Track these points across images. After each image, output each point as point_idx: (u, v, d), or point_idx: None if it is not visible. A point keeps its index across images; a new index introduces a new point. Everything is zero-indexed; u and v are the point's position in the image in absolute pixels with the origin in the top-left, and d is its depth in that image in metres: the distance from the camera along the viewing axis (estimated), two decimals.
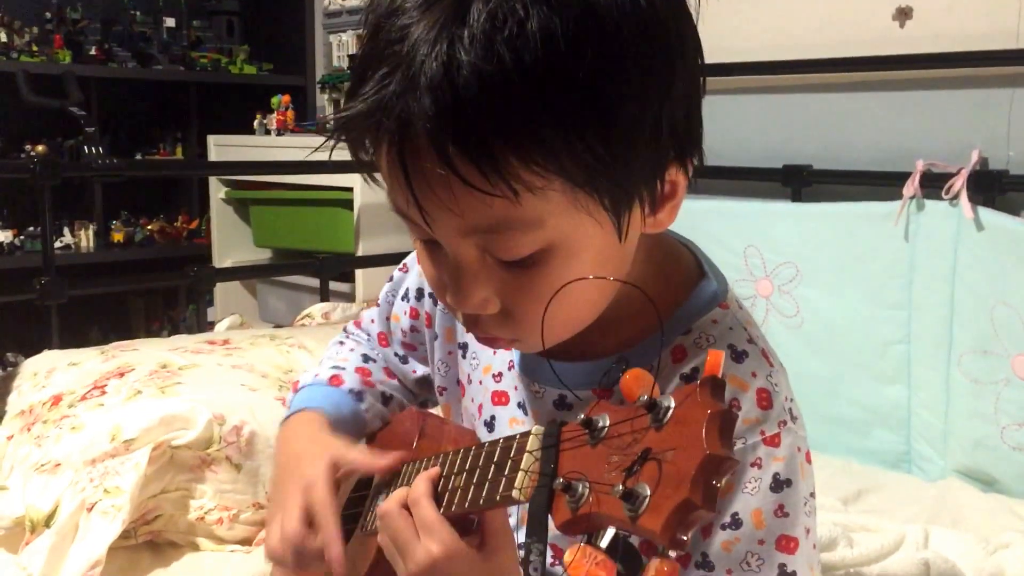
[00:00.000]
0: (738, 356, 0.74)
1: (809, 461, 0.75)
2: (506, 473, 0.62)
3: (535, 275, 0.67)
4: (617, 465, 0.51)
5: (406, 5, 0.63)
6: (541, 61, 0.59)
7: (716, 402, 0.49)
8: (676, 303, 0.77)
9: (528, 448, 0.61)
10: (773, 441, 0.71)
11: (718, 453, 0.47)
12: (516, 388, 0.85)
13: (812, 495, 0.75)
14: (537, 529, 0.55)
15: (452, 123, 0.60)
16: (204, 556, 1.35)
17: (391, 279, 1.02)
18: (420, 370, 1.02)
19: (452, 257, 0.68)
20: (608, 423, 0.54)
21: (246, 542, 1.37)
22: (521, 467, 0.61)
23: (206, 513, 1.36)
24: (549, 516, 0.56)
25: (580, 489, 0.53)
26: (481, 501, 0.65)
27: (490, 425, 0.86)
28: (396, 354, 1.03)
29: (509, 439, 0.64)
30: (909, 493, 1.58)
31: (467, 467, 0.68)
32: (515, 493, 0.60)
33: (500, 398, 0.86)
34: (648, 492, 0.48)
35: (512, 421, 0.85)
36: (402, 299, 0.99)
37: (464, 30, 0.60)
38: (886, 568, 1.23)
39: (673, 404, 0.50)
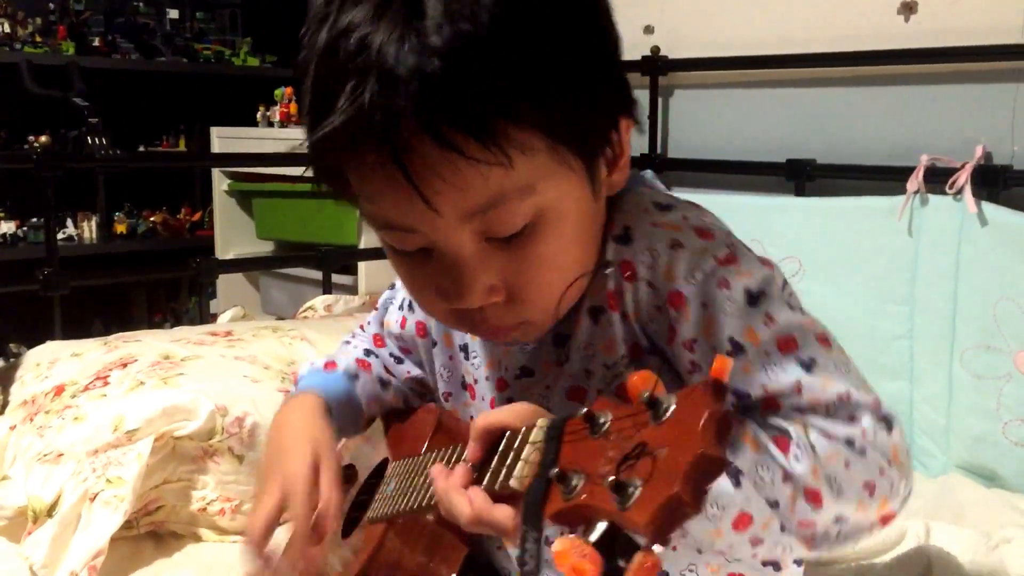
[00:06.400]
0: (664, 208, 0.77)
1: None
2: (507, 463, 0.65)
3: (531, 247, 0.70)
4: (612, 458, 0.52)
5: (355, 22, 0.65)
6: (504, 25, 0.63)
7: (717, 404, 0.49)
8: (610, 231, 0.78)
9: (531, 440, 0.63)
10: (729, 260, 0.74)
11: (712, 453, 0.47)
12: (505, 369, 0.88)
13: (785, 283, 0.78)
14: (532, 517, 0.56)
15: (440, 105, 0.62)
16: (206, 547, 1.35)
17: (392, 286, 1.03)
18: (415, 372, 1.04)
19: (451, 254, 0.70)
20: (610, 419, 0.54)
21: None
22: (522, 457, 0.63)
23: (208, 504, 1.36)
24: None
25: (574, 480, 0.53)
26: (483, 488, 0.67)
27: None
28: (391, 354, 1.05)
29: (515, 432, 0.66)
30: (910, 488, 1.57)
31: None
32: (513, 482, 0.63)
33: (501, 384, 0.88)
34: (639, 485, 0.48)
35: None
36: (398, 308, 1.03)
37: (425, 22, 0.63)
38: (887, 563, 1.22)
39: (675, 403, 0.50)
